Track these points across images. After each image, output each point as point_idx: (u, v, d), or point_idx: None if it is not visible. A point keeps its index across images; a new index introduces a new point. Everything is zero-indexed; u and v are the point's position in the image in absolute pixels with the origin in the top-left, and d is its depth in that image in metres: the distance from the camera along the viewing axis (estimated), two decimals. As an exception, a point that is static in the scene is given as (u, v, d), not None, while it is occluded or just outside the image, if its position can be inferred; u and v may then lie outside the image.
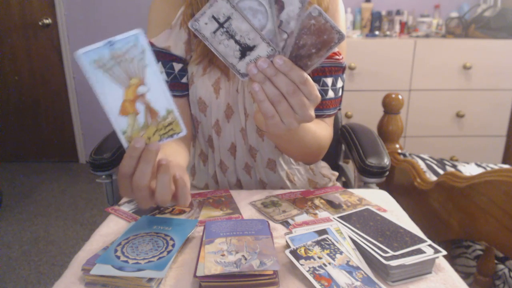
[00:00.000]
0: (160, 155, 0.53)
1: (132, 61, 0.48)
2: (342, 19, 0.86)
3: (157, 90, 0.50)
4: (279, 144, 0.80)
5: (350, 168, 1.20)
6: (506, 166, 1.40)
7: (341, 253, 0.57)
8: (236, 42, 0.51)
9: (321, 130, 0.81)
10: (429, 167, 1.48)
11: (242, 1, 0.50)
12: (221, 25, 0.50)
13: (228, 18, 0.50)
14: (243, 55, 0.52)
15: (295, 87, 0.52)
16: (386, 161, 0.96)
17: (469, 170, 1.48)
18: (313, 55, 0.52)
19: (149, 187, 0.53)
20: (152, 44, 0.84)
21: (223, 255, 0.55)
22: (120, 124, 0.50)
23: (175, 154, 0.74)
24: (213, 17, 0.50)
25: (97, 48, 0.47)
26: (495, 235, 0.99)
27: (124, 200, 0.80)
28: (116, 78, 0.48)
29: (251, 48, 0.52)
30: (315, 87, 0.54)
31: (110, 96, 0.49)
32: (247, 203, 0.77)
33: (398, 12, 2.57)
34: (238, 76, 0.54)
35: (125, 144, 0.51)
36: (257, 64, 0.51)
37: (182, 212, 0.73)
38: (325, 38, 0.51)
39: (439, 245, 0.59)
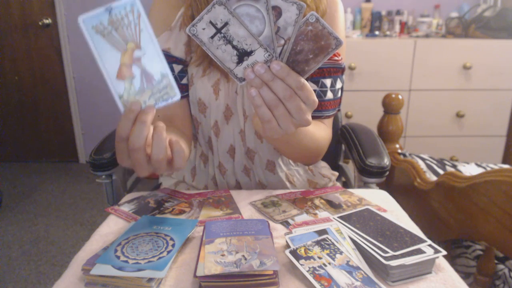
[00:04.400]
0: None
1: (129, 26, 0.50)
2: (342, 20, 0.86)
3: (152, 54, 0.52)
4: (277, 146, 0.80)
5: (350, 168, 1.20)
6: (506, 166, 1.40)
7: (341, 253, 0.57)
8: (234, 47, 0.52)
9: (319, 132, 0.81)
10: (429, 167, 1.48)
11: (239, 7, 0.50)
12: (218, 30, 0.51)
13: (226, 24, 0.51)
14: (240, 60, 0.53)
15: (292, 92, 0.53)
16: (386, 161, 0.96)
17: (469, 170, 1.48)
18: (310, 60, 0.53)
19: (144, 150, 0.53)
20: None
21: (223, 255, 0.55)
22: (117, 88, 0.52)
23: None
24: (211, 22, 0.51)
25: (96, 14, 0.49)
26: (495, 235, 0.99)
27: (124, 200, 0.80)
28: (114, 43, 0.51)
29: (248, 53, 0.52)
30: (312, 92, 0.54)
31: (108, 60, 0.51)
32: (247, 203, 0.77)
33: (398, 12, 2.58)
34: (235, 81, 0.54)
35: (121, 108, 0.53)
36: (254, 69, 0.52)
37: (182, 212, 0.73)
38: (322, 44, 0.52)
39: (439, 245, 0.59)
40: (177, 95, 0.54)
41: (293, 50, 0.52)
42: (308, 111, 0.55)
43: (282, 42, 0.52)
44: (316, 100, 0.55)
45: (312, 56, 0.52)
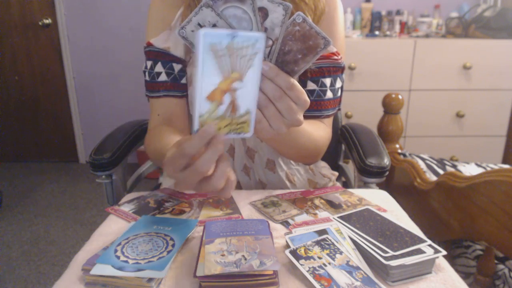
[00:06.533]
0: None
1: (243, 58, 0.50)
2: (341, 20, 0.86)
3: (249, 90, 0.51)
4: (274, 146, 0.80)
5: (350, 168, 1.20)
6: (506, 166, 1.40)
7: (341, 253, 0.57)
8: None
9: (318, 131, 0.81)
10: (429, 167, 1.48)
11: (226, 9, 0.51)
12: None
13: (214, 26, 0.51)
14: None
15: (282, 92, 0.53)
16: (386, 161, 0.96)
17: (469, 170, 1.48)
18: (300, 60, 0.53)
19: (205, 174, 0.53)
20: (151, 45, 0.84)
21: (223, 255, 0.55)
22: (202, 107, 0.52)
23: None
24: (199, 24, 0.51)
25: (219, 34, 0.48)
26: (495, 235, 0.99)
27: (124, 200, 0.80)
28: (221, 67, 0.50)
29: None
30: (303, 92, 0.54)
31: (208, 79, 0.50)
32: (247, 203, 0.77)
33: (398, 12, 2.58)
34: None
35: (196, 126, 0.53)
36: None
37: (182, 212, 0.73)
38: (310, 44, 0.52)
39: (439, 245, 0.59)
40: (250, 132, 0.54)
41: (282, 51, 0.53)
42: (299, 111, 0.55)
43: (270, 43, 0.53)
44: (308, 100, 0.55)
45: (301, 56, 0.53)
